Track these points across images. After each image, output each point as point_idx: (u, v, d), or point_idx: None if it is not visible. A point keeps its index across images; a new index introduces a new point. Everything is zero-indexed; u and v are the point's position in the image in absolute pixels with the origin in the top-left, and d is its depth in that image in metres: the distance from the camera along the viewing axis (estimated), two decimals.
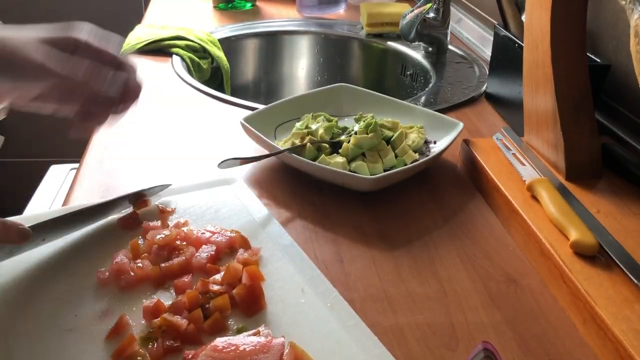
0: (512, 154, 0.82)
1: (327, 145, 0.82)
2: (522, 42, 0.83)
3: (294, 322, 0.56)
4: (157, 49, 1.21)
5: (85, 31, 0.60)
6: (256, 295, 0.57)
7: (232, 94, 1.12)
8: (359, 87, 0.99)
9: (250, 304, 0.56)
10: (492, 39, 1.08)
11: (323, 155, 0.80)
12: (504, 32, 1.00)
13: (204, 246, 0.63)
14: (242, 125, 0.83)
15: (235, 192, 0.75)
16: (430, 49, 1.30)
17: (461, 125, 0.86)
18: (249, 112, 0.88)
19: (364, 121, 0.84)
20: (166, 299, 0.57)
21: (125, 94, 0.61)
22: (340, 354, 0.52)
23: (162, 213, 0.69)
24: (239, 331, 0.54)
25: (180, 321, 0.53)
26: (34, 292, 0.58)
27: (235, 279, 0.58)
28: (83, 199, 0.73)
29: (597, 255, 0.63)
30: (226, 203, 0.73)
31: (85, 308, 0.56)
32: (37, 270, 0.60)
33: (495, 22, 1.05)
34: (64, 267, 0.61)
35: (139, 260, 0.61)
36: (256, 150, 0.86)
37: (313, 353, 0.52)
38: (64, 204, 0.73)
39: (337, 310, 0.57)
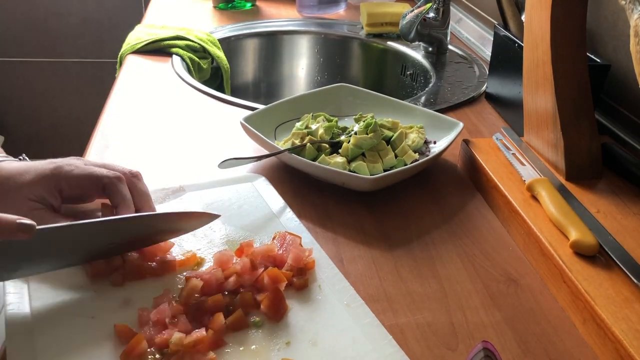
0: (512, 154, 0.82)
1: (327, 145, 0.82)
2: (522, 42, 0.83)
3: (310, 318, 0.56)
4: (157, 49, 1.21)
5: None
6: (279, 301, 0.57)
7: (232, 94, 1.12)
8: (359, 87, 0.99)
9: (276, 311, 0.56)
10: (492, 38, 1.08)
11: (323, 155, 0.80)
12: (504, 32, 1.00)
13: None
14: (242, 125, 0.83)
15: (258, 189, 0.76)
16: (430, 49, 1.30)
17: (461, 125, 0.87)
18: (249, 112, 0.88)
19: (363, 121, 0.84)
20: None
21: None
22: (354, 351, 0.53)
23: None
24: (254, 324, 0.55)
25: (200, 335, 0.52)
26: (58, 280, 0.59)
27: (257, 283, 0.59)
28: None
29: (597, 255, 0.63)
30: (248, 199, 0.73)
31: (107, 297, 0.57)
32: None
33: (495, 22, 1.05)
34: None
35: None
36: (256, 150, 0.86)
37: (328, 349, 0.53)
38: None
39: (353, 308, 0.58)
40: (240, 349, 0.52)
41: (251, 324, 0.55)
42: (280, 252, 0.62)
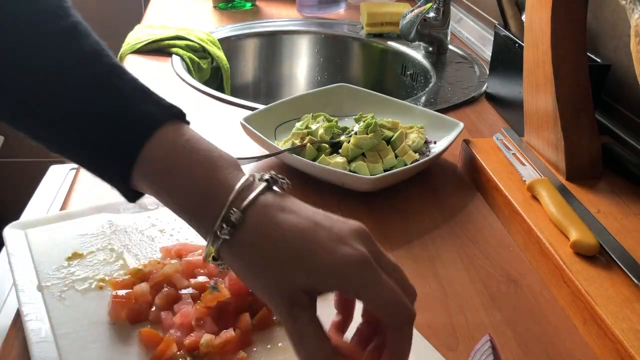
0: (513, 154, 0.82)
1: (327, 146, 0.82)
2: (523, 42, 0.83)
3: (332, 313, 0.56)
4: (157, 49, 1.21)
5: None
6: None
7: (232, 94, 1.12)
8: (359, 87, 0.99)
9: None
10: (492, 38, 1.08)
11: (323, 155, 0.80)
12: (504, 32, 1.00)
13: None
14: (242, 125, 0.83)
15: None
16: (430, 48, 1.30)
17: (461, 125, 0.86)
18: (249, 112, 0.88)
19: (364, 121, 0.84)
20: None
21: None
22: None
23: None
24: (279, 323, 0.55)
25: (229, 335, 0.52)
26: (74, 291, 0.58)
27: None
28: (83, 199, 0.73)
29: (597, 255, 0.63)
30: None
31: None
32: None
33: (496, 22, 1.05)
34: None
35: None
36: (256, 150, 0.86)
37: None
38: (64, 204, 0.73)
39: None
40: (268, 346, 0.53)
41: (275, 322, 0.56)
42: None
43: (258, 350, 0.53)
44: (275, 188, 0.46)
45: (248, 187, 0.45)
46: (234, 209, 0.43)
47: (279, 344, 0.53)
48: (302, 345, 0.42)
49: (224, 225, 0.43)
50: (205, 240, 0.44)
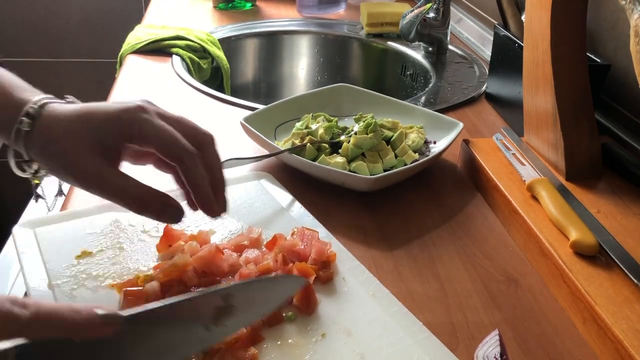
0: (512, 154, 0.82)
1: (327, 146, 0.82)
2: (522, 42, 0.83)
3: (340, 309, 0.57)
4: (157, 49, 1.21)
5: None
6: (309, 295, 0.58)
7: (232, 94, 1.12)
8: (359, 87, 0.99)
9: (307, 305, 0.57)
10: (492, 38, 1.08)
11: (323, 155, 0.80)
12: (504, 32, 1.00)
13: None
14: (242, 125, 0.83)
15: (265, 187, 0.77)
16: (430, 49, 1.30)
17: (461, 125, 0.87)
18: (249, 112, 0.88)
19: (363, 121, 0.84)
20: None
21: None
22: (388, 339, 0.54)
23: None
24: (288, 319, 0.56)
25: (240, 331, 0.52)
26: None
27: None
28: (83, 200, 0.73)
29: (597, 255, 0.63)
30: (259, 197, 0.74)
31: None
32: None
33: (495, 22, 1.05)
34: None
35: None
36: (256, 150, 0.86)
37: (363, 339, 0.54)
38: (64, 204, 0.73)
39: (379, 298, 0.59)
40: (278, 343, 0.53)
41: (285, 318, 0.56)
42: (302, 247, 0.63)
43: (268, 346, 0.53)
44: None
45: (40, 99, 0.54)
46: (32, 105, 0.52)
47: (289, 340, 0.54)
48: (108, 184, 0.51)
49: (24, 119, 0.52)
50: (9, 144, 0.53)
